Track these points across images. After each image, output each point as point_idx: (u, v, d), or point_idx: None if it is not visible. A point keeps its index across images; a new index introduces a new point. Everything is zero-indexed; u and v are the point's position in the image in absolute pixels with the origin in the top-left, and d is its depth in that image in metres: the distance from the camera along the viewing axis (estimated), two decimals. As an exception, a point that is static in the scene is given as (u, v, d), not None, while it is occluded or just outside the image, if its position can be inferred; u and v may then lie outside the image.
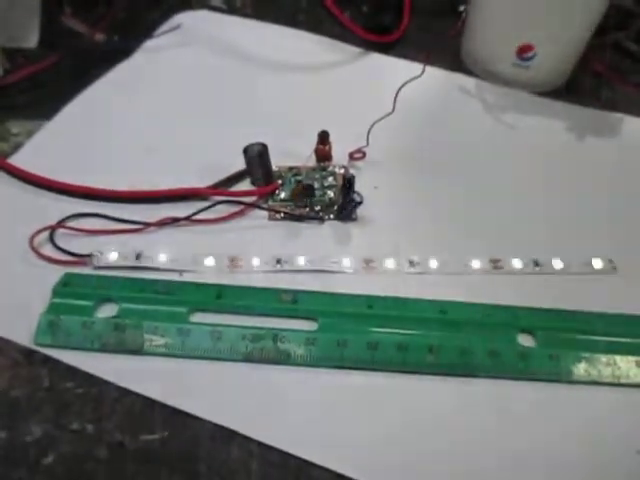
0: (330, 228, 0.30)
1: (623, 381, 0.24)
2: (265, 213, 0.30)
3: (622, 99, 0.39)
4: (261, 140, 0.30)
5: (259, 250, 0.28)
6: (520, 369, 0.24)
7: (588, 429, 0.23)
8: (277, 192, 0.31)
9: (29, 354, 0.24)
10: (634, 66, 0.41)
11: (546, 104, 0.38)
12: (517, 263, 0.28)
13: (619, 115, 0.38)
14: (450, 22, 0.41)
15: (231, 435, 0.22)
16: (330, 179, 0.31)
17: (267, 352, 0.24)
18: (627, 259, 0.29)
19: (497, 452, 0.22)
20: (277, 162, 0.31)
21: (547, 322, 0.26)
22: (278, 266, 0.27)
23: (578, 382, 0.24)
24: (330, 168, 0.32)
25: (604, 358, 0.25)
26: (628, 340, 0.25)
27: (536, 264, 0.28)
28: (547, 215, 0.31)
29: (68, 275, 0.26)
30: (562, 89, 0.39)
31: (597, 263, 0.29)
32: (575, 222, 0.31)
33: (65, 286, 0.26)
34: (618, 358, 0.25)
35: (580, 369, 0.24)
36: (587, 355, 0.25)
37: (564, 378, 0.24)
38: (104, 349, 0.24)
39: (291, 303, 0.26)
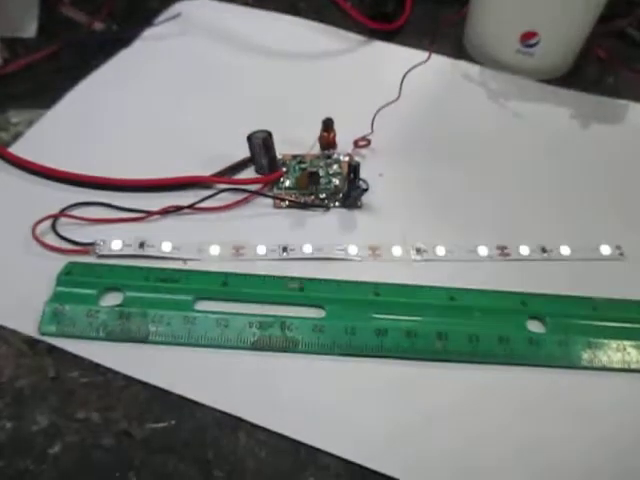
0: (335, 216, 0.29)
1: (634, 366, 0.24)
2: (270, 201, 0.29)
3: (626, 86, 0.39)
4: (265, 128, 0.29)
5: (264, 238, 0.28)
6: (530, 355, 0.24)
7: (598, 414, 0.23)
8: (282, 180, 0.30)
9: (34, 344, 0.24)
10: (638, 53, 0.41)
11: (550, 91, 0.38)
12: (524, 250, 0.28)
13: (623, 102, 0.37)
14: (453, 9, 0.40)
15: (238, 423, 0.22)
16: (335, 167, 0.31)
17: (275, 340, 0.24)
18: (635, 245, 0.29)
19: (507, 439, 0.22)
20: (281, 150, 0.31)
21: (556, 308, 0.26)
22: (284, 254, 0.27)
23: (588, 368, 0.24)
24: (335, 156, 0.32)
25: (614, 344, 0.24)
26: (638, 326, 0.25)
27: (543, 250, 0.28)
28: (554, 201, 0.31)
29: (71, 264, 0.26)
30: (566, 76, 0.39)
31: (605, 249, 0.28)
32: (582, 208, 0.30)
33: (68, 275, 0.25)
34: (628, 343, 0.25)
35: (590, 355, 0.24)
36: (597, 341, 0.25)
37: (574, 364, 0.24)
38: (109, 338, 0.24)
39: (298, 291, 0.26)
